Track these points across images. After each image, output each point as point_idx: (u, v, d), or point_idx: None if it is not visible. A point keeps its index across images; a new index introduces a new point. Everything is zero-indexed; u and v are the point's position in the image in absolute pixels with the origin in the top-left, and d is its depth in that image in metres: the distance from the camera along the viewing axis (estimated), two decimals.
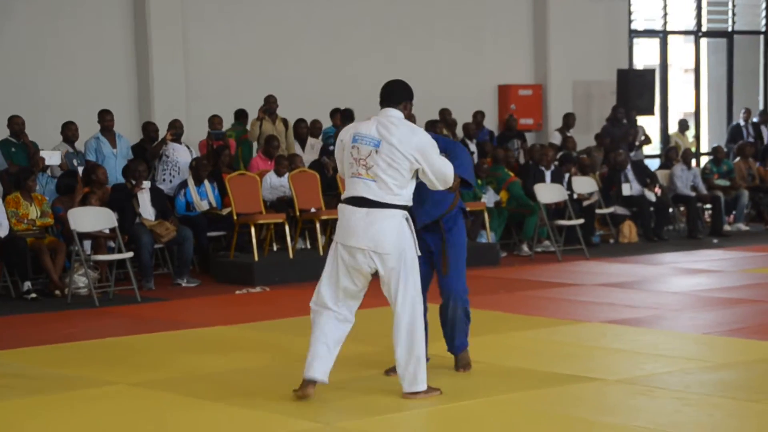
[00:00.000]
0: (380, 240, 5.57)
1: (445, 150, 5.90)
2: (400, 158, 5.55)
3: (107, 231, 10.32)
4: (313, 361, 5.70)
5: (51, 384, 6.50)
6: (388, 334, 5.78)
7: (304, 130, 13.10)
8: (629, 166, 14.16)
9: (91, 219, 10.17)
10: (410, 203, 5.69)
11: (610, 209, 13.83)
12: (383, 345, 6.47)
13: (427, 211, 6.09)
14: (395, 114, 5.69)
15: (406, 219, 5.66)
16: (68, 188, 10.75)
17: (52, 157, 11.02)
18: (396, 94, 5.75)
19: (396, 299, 5.64)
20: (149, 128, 12.21)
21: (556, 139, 14.96)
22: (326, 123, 13.61)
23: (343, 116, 13.55)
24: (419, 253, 5.73)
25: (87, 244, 10.36)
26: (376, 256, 5.60)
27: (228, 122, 12.83)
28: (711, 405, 5.65)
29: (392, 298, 5.67)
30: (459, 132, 14.40)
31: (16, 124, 11.23)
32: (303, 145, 13.07)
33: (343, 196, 5.77)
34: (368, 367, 6.48)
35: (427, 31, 15.30)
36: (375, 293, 6.00)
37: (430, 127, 14.09)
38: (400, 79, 5.89)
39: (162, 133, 12.23)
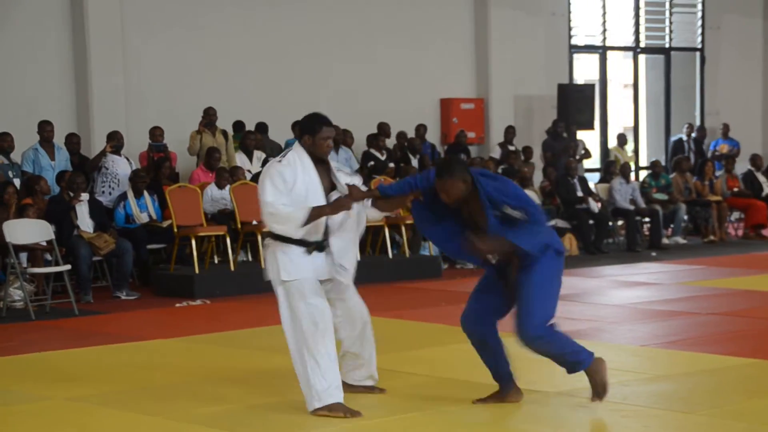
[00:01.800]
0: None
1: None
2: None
3: (44, 243, 10.17)
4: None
5: None
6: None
7: (251, 142, 13.05)
8: (575, 179, 14.37)
9: (27, 231, 10.02)
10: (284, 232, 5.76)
11: (552, 222, 13.94)
12: None
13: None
14: (292, 145, 5.93)
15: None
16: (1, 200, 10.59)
17: None
18: (296, 129, 6.01)
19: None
20: (72, 139, 12.06)
21: (496, 153, 15.09)
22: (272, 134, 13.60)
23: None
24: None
25: (23, 256, 10.21)
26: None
27: (170, 133, 12.70)
28: (648, 416, 5.71)
29: None
30: (390, 144, 14.46)
31: None
32: (250, 158, 13.03)
33: None
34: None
35: (368, 44, 15.34)
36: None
37: (371, 141, 14.17)
38: (308, 114, 5.95)
39: (97, 144, 12.08)
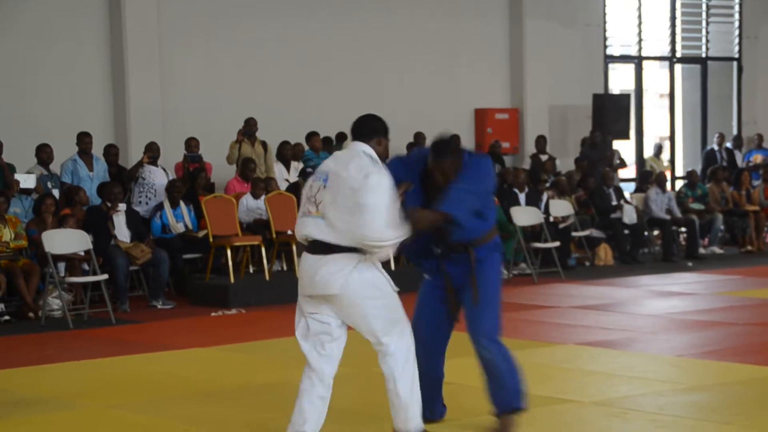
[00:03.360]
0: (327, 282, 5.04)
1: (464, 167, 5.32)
2: (349, 194, 4.94)
3: (82, 253, 10.28)
4: (295, 416, 5.24)
5: (25, 407, 6.45)
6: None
7: (288, 152, 13.12)
8: (611, 190, 14.34)
9: (65, 241, 10.13)
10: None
11: (586, 232, 13.91)
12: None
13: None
14: (361, 148, 5.11)
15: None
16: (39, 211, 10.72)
17: (27, 180, 10.99)
18: (366, 129, 5.14)
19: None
20: (110, 151, 12.18)
21: (527, 163, 15.06)
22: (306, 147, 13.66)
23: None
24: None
25: (61, 266, 10.32)
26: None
27: (205, 144, 12.80)
28: (684, 427, 5.68)
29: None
30: None
31: None
32: (288, 167, 13.10)
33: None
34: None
35: (404, 55, 15.38)
36: None
37: (409, 149, 14.20)
38: (374, 114, 5.27)
39: (134, 155, 12.18)
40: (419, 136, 14.49)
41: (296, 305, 5.24)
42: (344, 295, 5.03)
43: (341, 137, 13.94)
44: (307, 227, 5.07)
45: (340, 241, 4.99)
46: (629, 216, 14.18)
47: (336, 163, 5.11)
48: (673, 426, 5.67)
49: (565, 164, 15.69)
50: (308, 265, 5.10)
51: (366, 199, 4.90)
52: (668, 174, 17.13)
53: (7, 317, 9.94)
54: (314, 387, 5.14)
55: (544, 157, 15.17)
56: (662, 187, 14.86)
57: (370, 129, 5.15)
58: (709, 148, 17.67)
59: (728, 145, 17.54)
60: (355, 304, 5.05)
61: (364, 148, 5.11)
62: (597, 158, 15.32)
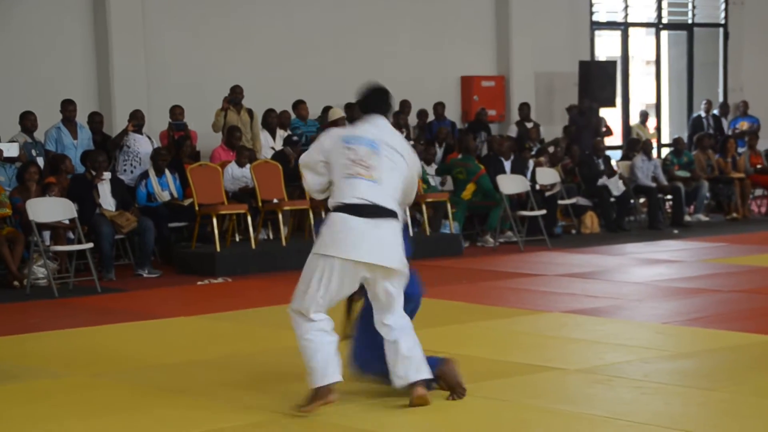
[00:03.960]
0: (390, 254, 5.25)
1: None
2: (400, 161, 5.36)
3: (67, 221, 10.24)
4: (327, 366, 5.26)
5: (9, 375, 6.43)
6: None
7: (274, 120, 13.05)
8: (600, 159, 14.34)
9: (50, 209, 10.09)
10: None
11: (573, 200, 13.91)
12: None
13: None
14: (386, 122, 5.50)
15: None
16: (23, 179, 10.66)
17: (10, 149, 10.91)
18: (386, 105, 5.52)
19: None
20: (95, 118, 12.09)
21: (512, 131, 15.03)
22: (292, 114, 13.57)
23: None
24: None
25: (46, 234, 10.28)
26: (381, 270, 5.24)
27: (190, 112, 12.71)
28: (669, 393, 5.70)
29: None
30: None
31: None
32: (273, 135, 13.03)
33: (337, 201, 5.28)
34: None
35: (390, 22, 15.28)
36: None
37: (394, 119, 14.15)
38: (387, 90, 5.56)
39: (118, 123, 12.10)
40: (405, 104, 14.43)
41: (313, 263, 5.26)
42: (402, 271, 5.31)
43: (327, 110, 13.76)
44: (360, 189, 5.24)
45: (393, 206, 5.30)
46: (616, 187, 14.20)
47: (380, 132, 5.40)
48: (658, 393, 5.69)
49: (551, 131, 15.67)
50: (354, 228, 5.21)
51: (414, 172, 5.46)
52: (654, 141, 17.12)
53: None
54: (329, 335, 5.30)
55: (528, 125, 15.15)
56: (648, 154, 14.87)
57: (387, 106, 5.54)
58: (696, 114, 17.67)
59: (714, 112, 17.54)
60: (402, 284, 5.33)
61: (388, 123, 5.51)
62: (583, 125, 15.31)
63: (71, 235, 10.38)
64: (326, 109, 13.72)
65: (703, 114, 17.35)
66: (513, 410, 5.42)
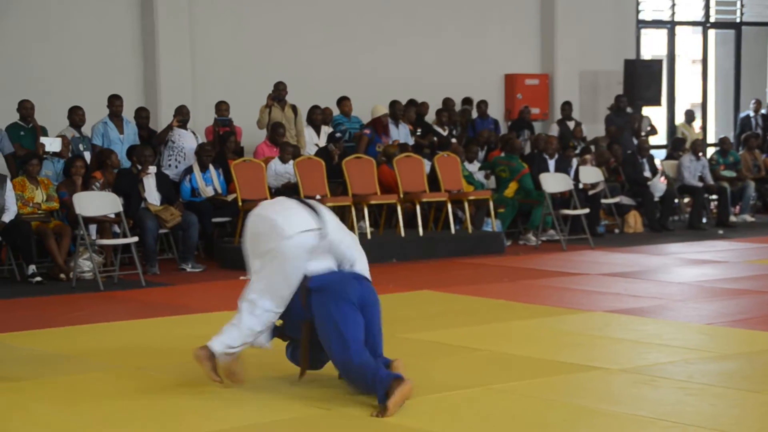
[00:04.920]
0: None
1: None
2: None
3: (112, 215, 10.34)
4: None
5: (55, 367, 6.52)
6: None
7: (318, 117, 13.10)
8: (645, 159, 14.26)
9: (96, 203, 10.20)
10: None
11: (616, 199, 13.83)
12: None
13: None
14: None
15: None
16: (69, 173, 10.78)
17: (53, 144, 11.03)
18: None
19: None
20: (141, 114, 12.20)
21: (554, 130, 14.97)
22: (336, 110, 13.61)
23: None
24: None
25: (92, 228, 10.39)
26: None
27: (235, 108, 12.80)
28: (713, 395, 5.66)
29: None
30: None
31: (24, 108, 11.27)
32: (318, 132, 13.08)
33: None
34: None
35: (433, 19, 15.28)
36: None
37: (438, 117, 14.19)
38: None
39: (164, 119, 12.19)
40: (449, 102, 14.43)
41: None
42: None
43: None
44: None
45: None
46: (658, 190, 14.11)
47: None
48: (701, 394, 5.65)
49: (595, 130, 15.59)
50: None
51: None
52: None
53: (39, 278, 10.03)
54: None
55: (570, 124, 15.08)
56: (696, 154, 14.74)
57: None
58: (744, 114, 17.50)
59: (763, 111, 17.35)
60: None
61: None
62: (622, 124, 15.22)
63: (117, 229, 10.49)
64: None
65: (751, 113, 17.18)
66: (557, 409, 5.40)
